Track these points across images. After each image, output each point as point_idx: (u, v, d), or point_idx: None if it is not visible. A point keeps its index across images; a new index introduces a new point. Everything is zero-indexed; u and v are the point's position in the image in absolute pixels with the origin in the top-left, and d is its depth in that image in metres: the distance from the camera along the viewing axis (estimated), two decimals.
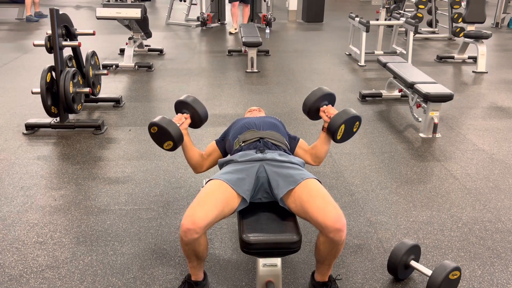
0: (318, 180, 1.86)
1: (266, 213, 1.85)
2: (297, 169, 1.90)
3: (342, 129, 2.08)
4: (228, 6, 8.54)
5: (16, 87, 4.66)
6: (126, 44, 5.67)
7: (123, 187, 2.79)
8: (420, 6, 7.45)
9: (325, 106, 2.20)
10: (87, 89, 3.70)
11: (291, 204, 1.80)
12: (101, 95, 4.24)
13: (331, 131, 2.10)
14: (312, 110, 2.24)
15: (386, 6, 7.20)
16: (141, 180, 2.88)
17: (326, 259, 1.80)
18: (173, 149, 2.06)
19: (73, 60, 3.85)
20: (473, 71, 5.69)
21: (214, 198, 1.74)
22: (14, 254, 2.16)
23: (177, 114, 2.20)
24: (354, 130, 2.16)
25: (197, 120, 2.20)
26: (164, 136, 2.02)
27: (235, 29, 7.95)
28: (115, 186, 2.80)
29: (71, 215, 2.49)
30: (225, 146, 2.23)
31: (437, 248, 2.27)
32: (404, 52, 6.06)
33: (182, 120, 2.14)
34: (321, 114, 2.20)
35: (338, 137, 2.11)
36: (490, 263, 2.17)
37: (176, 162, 3.12)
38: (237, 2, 7.74)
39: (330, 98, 2.25)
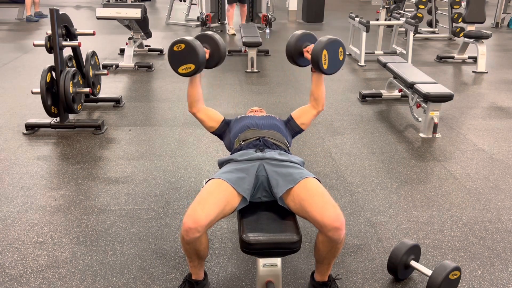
0: (317, 179, 1.86)
1: (266, 213, 1.85)
2: (297, 168, 1.90)
3: (326, 56, 2.02)
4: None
5: (16, 87, 4.66)
6: (126, 44, 5.67)
7: (123, 187, 2.79)
8: (420, 6, 7.46)
9: (307, 46, 2.18)
10: (87, 89, 3.70)
11: (290, 203, 1.80)
12: (101, 95, 4.24)
13: (315, 62, 2.05)
14: (295, 53, 2.21)
15: (386, 6, 7.21)
16: (141, 180, 2.88)
17: (326, 258, 1.80)
18: (189, 74, 1.98)
19: (73, 60, 3.86)
20: (473, 71, 5.70)
21: (214, 197, 1.74)
22: (14, 254, 2.16)
23: None
24: (341, 58, 2.09)
25: (216, 58, 2.14)
26: (188, 57, 1.92)
27: (233, 29, 7.94)
28: (115, 186, 2.80)
29: (71, 215, 2.49)
30: (225, 131, 2.24)
31: (437, 248, 2.27)
32: (404, 52, 6.06)
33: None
34: (305, 54, 2.18)
35: (325, 66, 2.06)
36: (490, 263, 2.17)
37: (176, 162, 3.12)
38: (235, 4, 7.74)
39: (310, 38, 2.21)
